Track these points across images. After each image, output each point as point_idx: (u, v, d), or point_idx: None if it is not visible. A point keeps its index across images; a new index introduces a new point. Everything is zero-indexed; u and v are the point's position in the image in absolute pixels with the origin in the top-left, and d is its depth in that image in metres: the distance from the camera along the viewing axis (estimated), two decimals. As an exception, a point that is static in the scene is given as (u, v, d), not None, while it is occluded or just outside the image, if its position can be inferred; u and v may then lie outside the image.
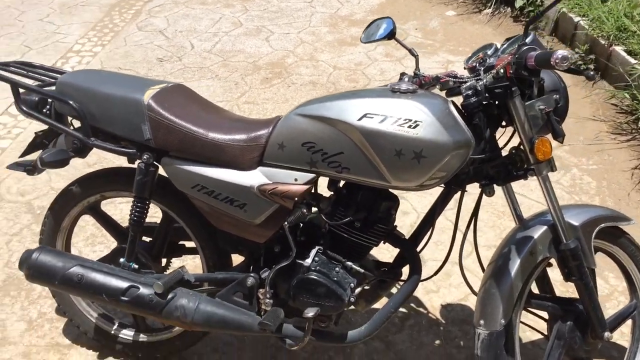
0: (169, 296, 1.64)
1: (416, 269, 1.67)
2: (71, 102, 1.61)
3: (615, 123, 3.31)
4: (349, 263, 1.65)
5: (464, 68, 1.69)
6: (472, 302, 2.21)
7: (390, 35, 1.75)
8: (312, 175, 1.55)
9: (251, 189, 1.57)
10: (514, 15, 4.47)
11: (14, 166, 1.82)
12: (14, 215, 2.65)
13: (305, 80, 3.76)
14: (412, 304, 2.20)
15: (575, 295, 1.64)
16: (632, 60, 3.34)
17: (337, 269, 1.64)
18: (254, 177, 1.58)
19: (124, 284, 1.64)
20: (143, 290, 1.63)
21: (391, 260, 1.78)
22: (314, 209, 1.68)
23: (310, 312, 1.56)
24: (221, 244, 1.78)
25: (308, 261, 1.63)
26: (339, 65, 3.92)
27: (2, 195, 2.77)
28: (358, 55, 4.05)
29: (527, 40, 1.46)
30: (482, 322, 1.57)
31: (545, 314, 1.78)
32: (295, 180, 1.56)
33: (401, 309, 2.17)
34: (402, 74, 1.74)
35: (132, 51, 4.12)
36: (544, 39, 4.18)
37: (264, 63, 3.96)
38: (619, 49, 3.48)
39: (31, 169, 1.79)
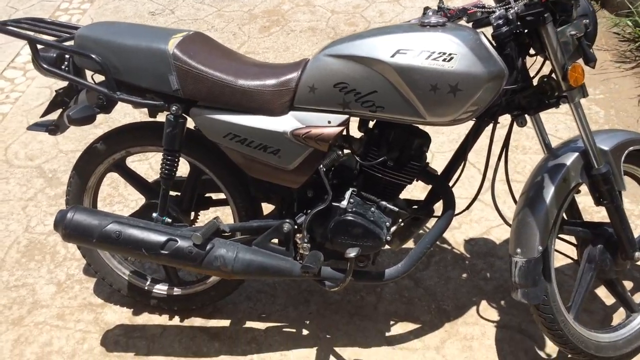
0: (208, 247, 1.65)
1: (450, 204, 1.68)
2: (93, 56, 1.57)
3: (618, 52, 3.30)
4: (383, 203, 1.67)
5: (482, -2, 1.66)
6: (494, 235, 2.26)
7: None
8: (346, 116, 1.54)
9: (284, 134, 1.56)
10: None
11: (35, 127, 1.78)
12: (26, 180, 2.62)
13: (304, 26, 3.68)
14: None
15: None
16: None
17: (372, 209, 1.66)
18: (286, 122, 1.57)
19: (162, 238, 1.64)
20: (182, 243, 1.64)
21: (417, 198, 1.80)
22: (346, 151, 1.68)
23: (352, 253, 1.58)
24: (253, 193, 1.78)
25: (344, 203, 1.64)
26: (336, 10, 3.84)
27: (10, 161, 2.73)
28: (354, -2, 3.96)
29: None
30: (518, 250, 1.60)
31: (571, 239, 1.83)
32: (329, 122, 1.55)
33: (426, 247, 2.20)
34: (426, 8, 1.70)
35: (122, 6, 3.99)
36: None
37: (260, 11, 3.87)
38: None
39: (54, 128, 1.75)
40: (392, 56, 1.45)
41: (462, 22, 1.61)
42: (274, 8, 3.90)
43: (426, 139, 1.64)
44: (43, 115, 1.76)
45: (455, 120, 1.50)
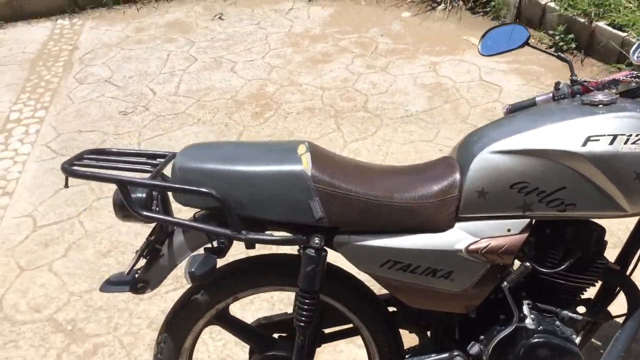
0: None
1: (638, 301, 1.46)
2: (212, 192, 1.22)
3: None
4: (564, 312, 1.41)
5: (635, 64, 1.50)
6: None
7: (526, 42, 1.55)
8: (527, 220, 1.30)
9: (458, 252, 1.28)
10: (469, 7, 4.43)
11: (113, 287, 1.35)
12: (41, 339, 2.10)
13: (299, 107, 3.44)
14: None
15: None
16: (622, 34, 3.39)
17: (556, 322, 1.40)
18: (456, 237, 1.29)
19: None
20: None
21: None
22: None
23: (566, 385, 1.30)
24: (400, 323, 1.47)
25: (529, 322, 1.36)
26: (325, 86, 3.64)
27: (11, 317, 2.19)
28: (339, 72, 3.79)
29: None
30: None
31: None
32: (509, 230, 1.29)
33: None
34: (558, 83, 1.53)
35: (84, 108, 3.56)
36: (509, 26, 4.17)
37: (244, 97, 3.58)
38: (602, 24, 3.53)
39: (143, 285, 1.35)
40: (584, 145, 1.23)
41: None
42: (258, 92, 3.63)
43: (602, 230, 1.41)
44: (130, 270, 1.35)
45: (655, 208, 1.29)
